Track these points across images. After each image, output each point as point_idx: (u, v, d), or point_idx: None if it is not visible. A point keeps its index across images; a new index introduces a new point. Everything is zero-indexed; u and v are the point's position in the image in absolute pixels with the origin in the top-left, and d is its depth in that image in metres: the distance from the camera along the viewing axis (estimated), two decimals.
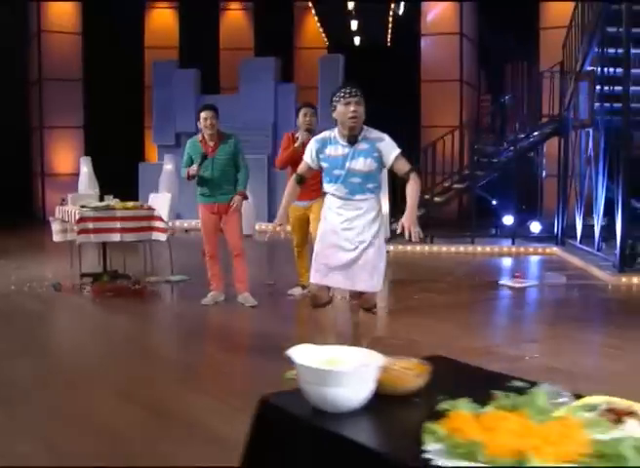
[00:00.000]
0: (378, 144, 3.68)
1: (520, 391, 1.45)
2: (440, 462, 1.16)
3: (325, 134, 3.82)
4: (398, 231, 3.58)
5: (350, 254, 3.72)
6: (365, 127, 3.73)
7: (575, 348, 4.97)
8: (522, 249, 9.92)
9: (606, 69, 8.35)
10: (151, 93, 14.33)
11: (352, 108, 3.60)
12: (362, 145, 3.68)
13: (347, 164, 3.68)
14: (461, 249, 10.02)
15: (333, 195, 3.78)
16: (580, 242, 9.26)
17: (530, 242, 10.24)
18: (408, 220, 3.50)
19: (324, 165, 3.78)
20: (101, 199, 7.75)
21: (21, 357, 4.64)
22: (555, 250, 9.69)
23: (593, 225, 8.52)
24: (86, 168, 11.59)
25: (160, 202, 7.77)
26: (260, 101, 13.08)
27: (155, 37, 16.82)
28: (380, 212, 3.81)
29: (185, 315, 6.13)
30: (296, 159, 6.04)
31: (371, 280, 3.72)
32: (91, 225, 6.87)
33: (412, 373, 1.60)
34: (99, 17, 14.46)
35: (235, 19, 17.33)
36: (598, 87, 8.62)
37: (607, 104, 8.36)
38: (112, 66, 14.82)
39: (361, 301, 3.87)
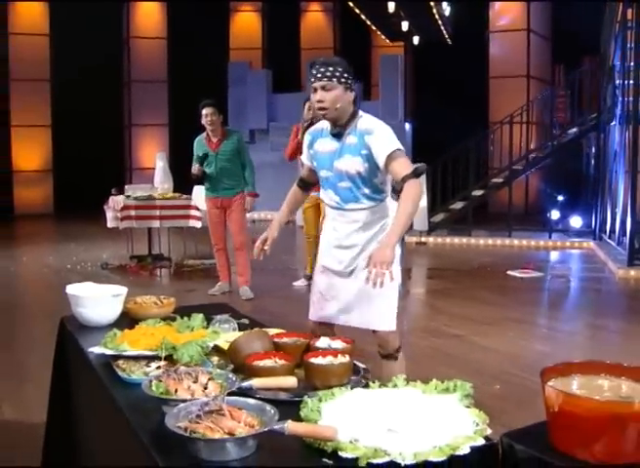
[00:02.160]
0: (366, 138, 2.71)
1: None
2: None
3: (320, 123, 2.92)
4: (363, 266, 2.65)
5: (346, 282, 2.87)
6: (360, 113, 2.79)
7: (512, 330, 5.34)
8: (559, 243, 10.07)
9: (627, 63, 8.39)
10: None
11: (317, 97, 2.68)
12: (350, 139, 2.76)
13: (335, 163, 2.80)
14: (498, 242, 10.31)
15: (326, 204, 2.97)
16: (610, 237, 9.33)
17: (569, 236, 10.37)
18: (379, 254, 2.41)
19: (314, 163, 2.93)
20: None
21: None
22: (591, 244, 9.78)
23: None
24: (161, 162, 12.57)
25: (200, 193, 8.64)
26: None
27: (239, 39, 17.79)
28: (389, 224, 2.75)
29: (186, 295, 6.59)
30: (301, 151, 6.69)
31: (375, 314, 2.82)
32: (133, 212, 7.81)
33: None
34: (183, 21, 15.59)
35: (315, 21, 18.01)
36: (618, 81, 8.67)
37: (628, 99, 8.39)
38: (197, 68, 15.91)
39: (378, 345, 2.89)
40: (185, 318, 2.07)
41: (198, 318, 2.04)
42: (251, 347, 1.73)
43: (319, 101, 2.70)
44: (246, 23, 17.88)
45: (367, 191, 2.81)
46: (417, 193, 2.59)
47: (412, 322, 5.73)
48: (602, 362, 1.47)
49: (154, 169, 15.25)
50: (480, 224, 10.74)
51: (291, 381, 1.56)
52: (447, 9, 13.38)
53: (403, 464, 1.26)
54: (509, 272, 7.78)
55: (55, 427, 2.34)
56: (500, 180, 11.21)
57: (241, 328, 2.12)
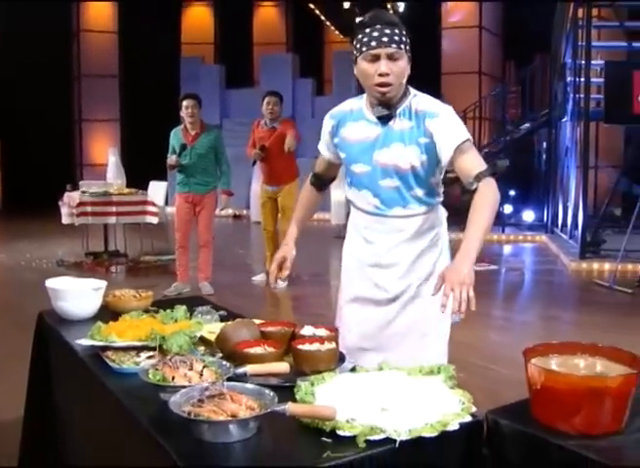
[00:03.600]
0: (427, 123, 2.11)
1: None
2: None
3: (346, 103, 2.33)
4: (432, 292, 1.85)
5: (385, 311, 2.24)
6: (411, 90, 2.19)
7: (469, 321, 5.52)
8: (512, 237, 10.33)
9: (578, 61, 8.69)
10: None
11: (382, 68, 2.07)
12: (402, 123, 2.15)
13: (376, 154, 2.19)
14: (453, 236, 10.48)
15: (357, 209, 2.34)
16: (562, 230, 9.63)
17: (522, 230, 10.65)
18: (455, 273, 1.82)
19: (342, 154, 2.30)
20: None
21: None
22: (544, 238, 10.07)
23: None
24: (113, 158, 12.40)
25: (157, 188, 8.60)
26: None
27: (191, 33, 17.64)
28: (443, 236, 2.29)
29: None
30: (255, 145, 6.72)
31: (425, 356, 2.07)
32: (89, 209, 7.72)
33: None
34: (135, 16, 15.38)
35: (268, 15, 17.97)
36: (570, 78, 8.96)
37: (579, 96, 8.69)
38: (148, 63, 15.72)
39: None
40: (168, 310, 2.11)
41: (181, 309, 2.09)
42: (239, 336, 1.78)
43: (383, 75, 2.06)
44: (198, 18, 17.76)
45: (420, 193, 2.19)
46: (495, 197, 2.02)
47: None
48: (578, 342, 1.58)
49: (106, 165, 15.06)
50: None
51: (283, 367, 1.62)
52: (401, 5, 13.55)
53: (398, 440, 1.34)
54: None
55: (33, 422, 2.34)
56: (454, 175, 11.32)
57: (222, 319, 2.17)
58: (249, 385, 1.48)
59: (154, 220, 7.95)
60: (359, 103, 2.26)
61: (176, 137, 6.32)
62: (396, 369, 1.69)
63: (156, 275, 7.76)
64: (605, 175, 10.34)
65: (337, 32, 15.82)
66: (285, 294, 6.69)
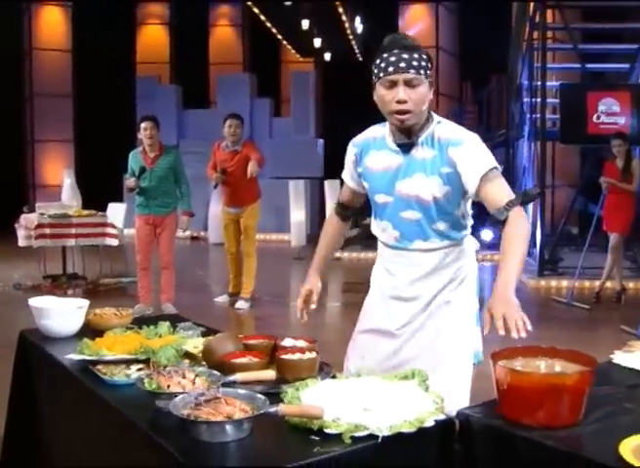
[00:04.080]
0: (450, 151, 2.05)
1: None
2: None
3: (370, 131, 2.27)
4: (483, 327, 1.76)
5: (402, 346, 2.18)
6: (435, 117, 2.14)
7: None
8: None
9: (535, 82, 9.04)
10: None
11: (400, 94, 2.02)
12: (424, 152, 2.10)
13: (398, 184, 2.13)
14: None
15: (380, 240, 2.32)
16: None
17: (481, 249, 10.92)
18: (499, 300, 1.78)
19: (365, 184, 2.25)
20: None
21: None
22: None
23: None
24: (69, 179, 12.34)
25: (116, 210, 8.61)
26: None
27: (146, 53, 17.62)
28: (466, 270, 2.22)
29: None
30: (216, 167, 6.80)
31: (443, 393, 1.76)
32: (48, 231, 7.67)
33: None
34: (89, 34, 15.32)
35: (224, 35, 18.07)
36: (526, 99, 9.31)
37: (536, 116, 9.02)
38: (102, 82, 15.67)
39: None
40: (152, 326, 2.20)
41: (164, 325, 2.19)
42: (224, 348, 1.89)
43: (401, 102, 2.00)
44: (153, 37, 17.75)
45: (442, 226, 2.13)
46: (527, 225, 2.00)
47: (331, 333, 5.94)
48: (539, 346, 1.74)
49: (60, 186, 14.95)
50: None
51: (270, 374, 1.74)
52: (359, 27, 13.84)
53: (381, 436, 1.47)
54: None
55: (16, 439, 2.40)
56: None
57: (203, 334, 2.27)
58: (241, 390, 1.59)
59: (114, 243, 7.95)
60: (382, 131, 2.19)
61: (134, 160, 6.32)
62: (373, 375, 1.83)
63: (117, 297, 7.73)
64: (562, 195, 10.72)
65: (294, 52, 16.03)
66: (247, 315, 6.77)
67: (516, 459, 1.52)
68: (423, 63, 2.04)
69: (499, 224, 2.01)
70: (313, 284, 2.30)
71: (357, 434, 1.46)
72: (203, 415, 1.44)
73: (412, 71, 2.01)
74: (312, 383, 1.72)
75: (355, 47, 14.68)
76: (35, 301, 2.33)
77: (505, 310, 1.72)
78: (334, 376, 1.85)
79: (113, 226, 7.97)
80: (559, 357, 1.68)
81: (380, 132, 2.20)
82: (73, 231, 7.79)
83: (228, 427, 1.43)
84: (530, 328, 1.70)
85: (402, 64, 2.01)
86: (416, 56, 2.03)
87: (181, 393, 1.58)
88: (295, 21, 12.07)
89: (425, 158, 2.08)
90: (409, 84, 2.01)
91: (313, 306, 2.28)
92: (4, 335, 5.71)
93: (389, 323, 2.20)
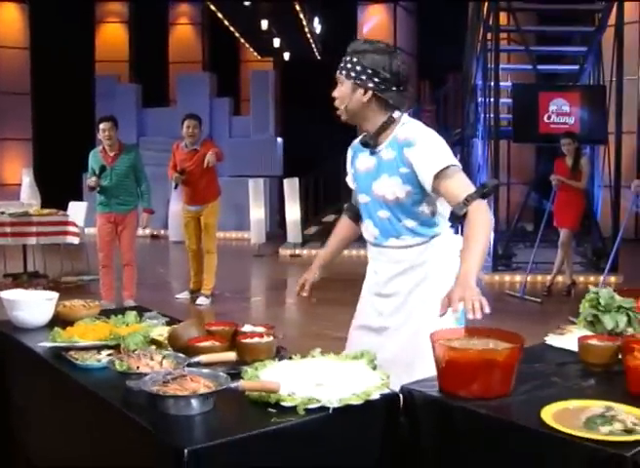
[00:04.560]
0: (406, 152, 2.17)
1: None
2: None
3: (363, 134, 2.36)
4: (440, 311, 1.89)
5: (382, 340, 2.31)
6: (402, 119, 2.24)
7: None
8: None
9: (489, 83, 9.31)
10: None
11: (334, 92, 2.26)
12: (388, 153, 2.23)
13: (373, 185, 2.27)
14: None
15: (366, 240, 2.41)
16: None
17: None
18: (459, 289, 1.87)
19: (354, 185, 2.42)
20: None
21: None
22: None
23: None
24: (27, 178, 12.26)
25: (77, 209, 8.64)
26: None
27: (105, 51, 17.51)
28: (448, 272, 2.17)
29: None
30: (176, 167, 6.90)
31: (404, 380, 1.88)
32: (8, 229, 7.68)
33: None
34: (47, 32, 15.18)
35: (184, 33, 18.05)
36: (480, 99, 9.58)
37: (490, 115, 9.29)
38: (61, 80, 15.53)
39: None
40: (120, 315, 2.33)
41: (131, 315, 2.32)
42: (189, 334, 2.03)
43: (333, 97, 2.24)
44: (112, 35, 17.63)
45: (410, 224, 2.23)
46: (487, 218, 2.04)
47: (295, 328, 6.11)
48: (474, 327, 1.92)
49: (18, 185, 14.81)
50: None
51: (231, 356, 1.89)
52: (318, 27, 14.00)
53: (331, 407, 1.63)
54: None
55: None
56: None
57: (168, 323, 2.40)
58: (205, 370, 1.74)
59: (75, 241, 7.99)
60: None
61: (94, 159, 6.41)
62: (326, 356, 1.99)
63: (78, 295, 7.63)
64: (517, 192, 11.03)
65: (253, 52, 16.13)
66: (208, 311, 6.89)
67: (454, 428, 1.70)
68: (349, 66, 2.20)
69: (458, 220, 2.08)
70: (309, 274, 2.51)
71: (310, 406, 1.62)
72: (170, 391, 1.58)
73: (338, 72, 2.24)
74: (270, 364, 1.88)
75: (314, 46, 14.84)
76: (7, 294, 2.44)
77: (464, 294, 1.83)
78: (290, 358, 2.00)
79: (74, 225, 8.01)
80: (492, 337, 1.87)
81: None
82: (34, 229, 7.81)
83: (194, 401, 1.58)
84: (487, 310, 1.81)
85: (339, 65, 2.24)
86: (347, 58, 2.22)
87: (150, 373, 1.72)
88: (254, 21, 12.19)
89: (389, 159, 2.20)
90: (337, 82, 2.24)
91: (304, 294, 2.49)
92: None
93: (374, 319, 2.34)
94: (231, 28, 13.97)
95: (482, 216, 2.03)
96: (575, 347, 2.03)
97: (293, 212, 10.96)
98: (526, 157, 11.68)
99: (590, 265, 8.51)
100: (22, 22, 15.47)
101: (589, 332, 2.13)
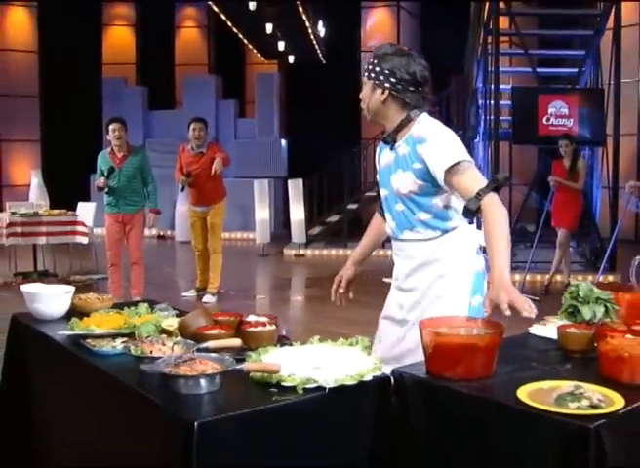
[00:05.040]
0: (418, 148, 2.28)
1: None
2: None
3: None
4: (486, 312, 2.00)
5: (398, 332, 2.44)
6: (419, 118, 2.37)
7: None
8: None
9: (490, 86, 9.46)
10: None
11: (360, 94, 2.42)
12: (402, 149, 2.36)
13: (392, 179, 2.40)
14: (373, 253, 11.11)
15: (388, 233, 2.55)
16: None
17: None
18: (502, 292, 1.97)
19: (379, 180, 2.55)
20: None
21: None
22: None
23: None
24: (36, 179, 12.46)
25: (85, 209, 8.83)
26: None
27: (113, 54, 17.73)
28: (463, 268, 2.36)
29: None
30: (182, 169, 7.09)
31: None
32: (19, 229, 7.90)
33: None
34: (55, 35, 15.39)
35: (190, 36, 18.25)
36: (481, 101, 9.74)
37: (490, 117, 9.44)
38: (69, 83, 15.74)
39: None
40: (132, 307, 2.50)
41: (144, 306, 2.49)
42: (197, 322, 2.20)
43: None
44: (119, 38, 17.88)
45: (423, 217, 2.33)
46: (502, 212, 2.08)
47: (300, 325, 6.28)
48: (460, 316, 2.08)
49: (27, 186, 15.01)
50: (355, 236, 11.39)
51: (237, 342, 2.05)
52: (322, 30, 14.18)
53: (327, 387, 1.79)
54: (385, 279, 8.47)
55: (9, 416, 2.66)
56: (373, 194, 12.02)
57: (177, 315, 2.57)
58: (212, 354, 1.90)
59: (84, 240, 8.19)
60: None
61: (103, 160, 6.57)
62: (324, 343, 2.16)
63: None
64: (520, 194, 11.15)
65: (258, 54, 16.31)
66: (214, 308, 7.05)
67: (440, 406, 1.86)
68: (370, 68, 2.37)
69: (472, 214, 2.15)
70: (345, 273, 2.64)
71: (308, 386, 1.78)
72: (181, 372, 1.75)
73: (362, 74, 2.41)
74: (272, 350, 2.05)
75: (318, 49, 15.01)
76: (27, 287, 2.61)
77: (510, 297, 1.94)
78: (290, 344, 2.17)
79: (83, 225, 8.21)
80: (476, 325, 2.03)
81: None
82: (44, 229, 8.02)
83: (202, 381, 1.74)
84: (535, 310, 1.93)
85: (365, 65, 2.41)
86: (370, 61, 2.38)
87: (163, 357, 1.89)
88: (258, 25, 12.36)
89: (404, 154, 2.33)
90: (365, 84, 2.39)
91: (341, 290, 2.63)
92: None
93: (397, 311, 2.46)
94: (236, 32, 14.15)
95: (497, 211, 2.09)
96: (555, 336, 2.19)
97: (297, 212, 11.13)
98: (528, 158, 11.80)
99: (589, 265, 8.64)
100: (31, 26, 15.70)
101: (570, 323, 2.29)
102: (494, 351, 1.90)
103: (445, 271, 2.35)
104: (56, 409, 2.38)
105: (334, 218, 11.89)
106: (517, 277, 8.27)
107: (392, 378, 1.95)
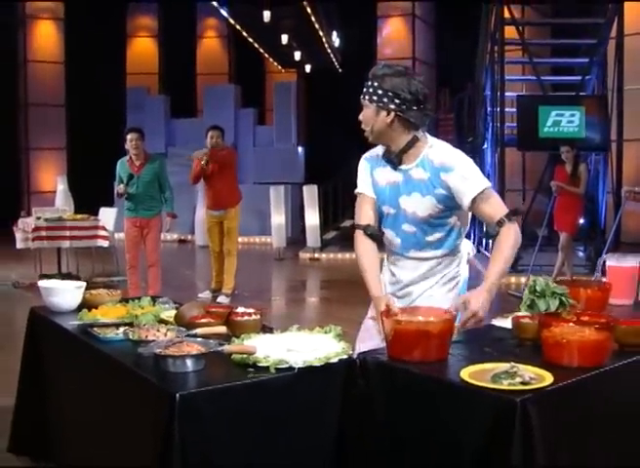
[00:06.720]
0: (443, 176, 2.39)
1: None
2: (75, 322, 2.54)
3: (376, 150, 2.61)
4: (452, 308, 2.29)
5: None
6: (427, 141, 2.46)
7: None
8: None
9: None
10: None
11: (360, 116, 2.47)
12: (419, 173, 2.43)
13: (401, 199, 2.48)
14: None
15: (385, 245, 2.63)
16: (486, 249, 10.57)
17: None
18: (478, 301, 2.26)
19: (374, 195, 2.58)
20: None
21: None
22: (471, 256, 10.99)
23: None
24: (62, 185, 12.87)
25: (107, 214, 9.20)
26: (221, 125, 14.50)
27: (136, 64, 18.18)
28: (458, 276, 2.63)
29: None
30: (203, 175, 7.42)
31: None
32: (44, 233, 8.27)
33: None
34: (81, 47, 15.87)
35: (211, 47, 18.64)
36: (490, 108, 9.95)
37: (497, 124, 9.65)
38: (94, 92, 16.20)
39: None
40: (136, 300, 2.80)
41: (146, 300, 2.79)
42: (191, 313, 2.48)
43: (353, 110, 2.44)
44: (142, 49, 18.31)
45: (437, 237, 2.48)
46: (516, 239, 2.35)
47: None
48: (426, 307, 2.34)
49: (54, 192, 15.45)
50: None
51: (222, 329, 2.33)
52: (336, 40, 14.49)
53: (297, 367, 2.06)
54: None
55: (26, 402, 2.97)
56: None
57: (176, 308, 2.85)
58: (199, 339, 2.19)
59: (105, 244, 8.55)
60: (382, 149, 2.53)
61: (122, 168, 6.86)
62: (302, 331, 2.43)
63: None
64: (530, 199, 11.28)
65: (276, 64, 16.65)
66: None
67: (398, 385, 2.11)
68: (371, 90, 2.38)
69: (492, 238, 2.42)
70: (387, 300, 2.37)
71: (280, 366, 2.06)
72: (170, 353, 2.03)
73: (362, 97, 2.43)
74: (254, 336, 2.32)
75: (334, 59, 15.30)
76: (43, 283, 2.92)
77: (478, 310, 2.22)
78: (271, 332, 2.44)
79: (105, 229, 8.55)
80: (433, 315, 2.27)
81: (380, 149, 2.55)
82: (68, 233, 8.38)
83: (188, 360, 2.03)
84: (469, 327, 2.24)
85: (363, 90, 2.43)
86: (369, 83, 2.40)
87: (156, 341, 2.17)
88: (274, 36, 12.69)
89: (422, 179, 2.40)
90: (365, 107, 2.42)
91: (396, 309, 2.32)
92: (5, 327, 6.31)
93: None
94: (254, 43, 14.49)
95: (512, 237, 2.34)
96: None
97: (312, 217, 11.40)
98: (539, 164, 11.97)
99: (593, 268, 8.78)
100: (57, 38, 16.23)
101: (526, 314, 2.53)
102: (447, 337, 2.15)
103: (443, 280, 2.60)
104: (67, 392, 2.67)
105: (348, 223, 12.14)
106: (523, 279, 8.46)
107: (358, 361, 2.21)
